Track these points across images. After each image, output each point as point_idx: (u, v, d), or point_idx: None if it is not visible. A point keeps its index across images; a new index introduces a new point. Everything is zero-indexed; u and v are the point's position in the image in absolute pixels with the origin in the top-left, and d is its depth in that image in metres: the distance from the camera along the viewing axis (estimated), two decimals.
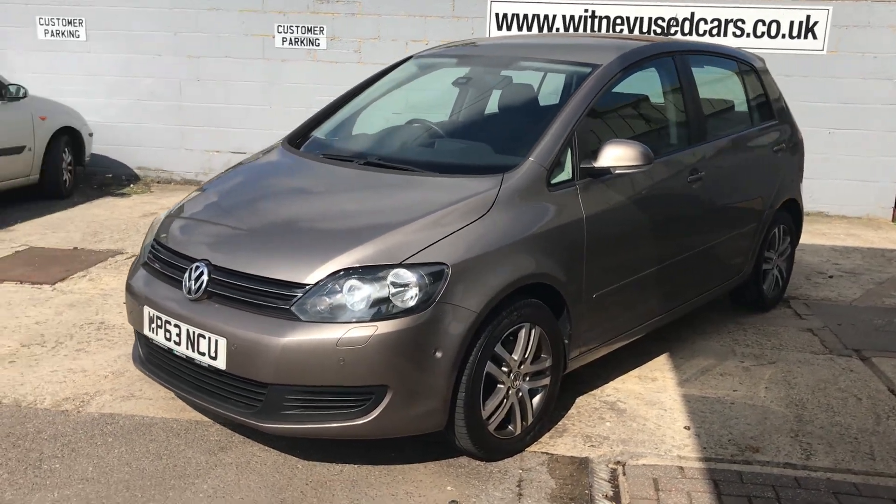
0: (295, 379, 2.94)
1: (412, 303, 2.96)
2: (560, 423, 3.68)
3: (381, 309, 2.94)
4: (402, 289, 2.97)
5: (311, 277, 2.98)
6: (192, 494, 3.02)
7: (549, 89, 4.27)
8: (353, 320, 2.91)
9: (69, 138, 8.17)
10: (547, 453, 3.43)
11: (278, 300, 2.99)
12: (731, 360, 4.46)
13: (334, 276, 2.97)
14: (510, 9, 8.58)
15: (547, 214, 3.42)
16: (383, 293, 2.95)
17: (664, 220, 4.05)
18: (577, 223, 3.52)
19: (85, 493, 3.00)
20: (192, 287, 3.15)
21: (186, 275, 3.21)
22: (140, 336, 3.49)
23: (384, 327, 2.91)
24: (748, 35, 8.21)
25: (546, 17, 8.54)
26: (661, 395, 4.00)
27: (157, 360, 3.39)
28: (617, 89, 4.05)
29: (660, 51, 4.36)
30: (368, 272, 2.98)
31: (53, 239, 6.56)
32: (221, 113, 9.16)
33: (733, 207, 4.63)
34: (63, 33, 9.24)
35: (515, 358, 3.30)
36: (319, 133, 4.29)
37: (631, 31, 8.33)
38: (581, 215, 3.53)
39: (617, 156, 3.58)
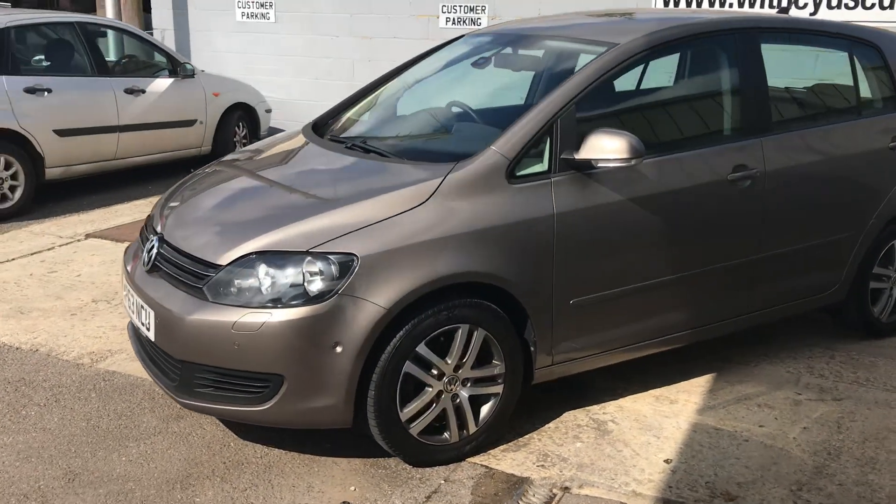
0: (200, 358, 2.97)
1: (312, 293, 2.85)
2: (526, 436, 3.38)
3: (280, 296, 2.87)
4: (306, 277, 2.87)
5: (223, 259, 2.97)
6: (118, 457, 3.17)
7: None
8: (251, 305, 2.87)
9: (243, 113, 8.82)
10: (487, 467, 3.16)
11: (196, 279, 3.02)
12: (785, 390, 3.82)
13: (243, 259, 2.94)
14: None
15: (501, 209, 3.12)
16: (286, 280, 2.88)
17: (684, 224, 3.53)
18: (546, 220, 3.18)
19: (30, 442, 3.26)
20: (145, 259, 3.28)
21: (146, 246, 3.35)
22: None
23: (279, 315, 2.84)
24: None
25: None
26: (668, 420, 3.53)
27: (132, 329, 3.58)
28: (646, 72, 3.59)
29: (707, 28, 3.78)
30: (276, 257, 2.92)
31: None
32: None
33: (811, 212, 3.93)
34: (256, 15, 9.97)
35: (449, 361, 3.06)
36: (354, 114, 4.25)
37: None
38: (551, 212, 3.18)
39: (599, 147, 3.18)
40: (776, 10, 4.75)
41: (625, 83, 3.75)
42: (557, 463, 3.19)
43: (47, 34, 7.25)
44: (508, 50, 4.15)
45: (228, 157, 4.10)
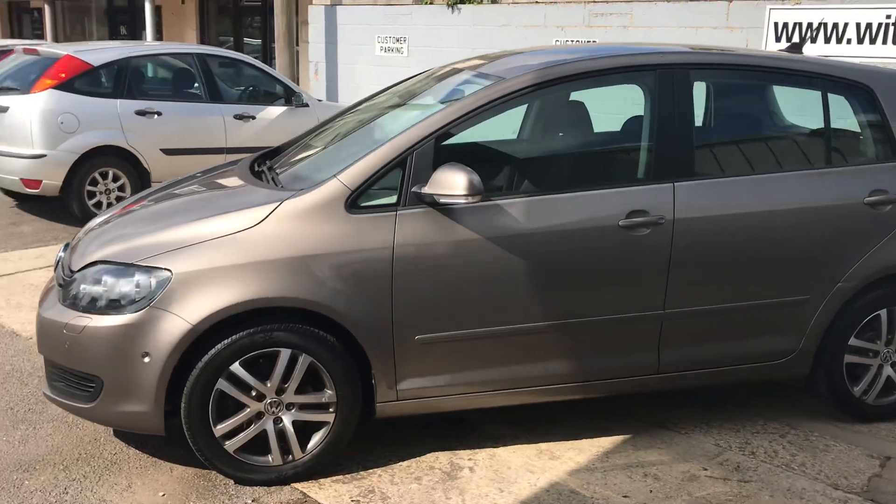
0: (48, 354, 3.26)
1: (128, 303, 3.05)
2: (369, 470, 3.33)
3: (102, 303, 3.09)
4: (128, 287, 3.07)
5: (76, 266, 3.25)
6: (2, 435, 3.54)
7: None
8: (78, 309, 3.12)
9: None
10: (304, 494, 3.17)
11: (62, 284, 3.33)
12: (691, 463, 3.44)
13: (87, 267, 3.20)
14: (792, 17, 7.28)
15: (336, 238, 3.13)
16: (112, 289, 3.09)
17: (558, 269, 3.32)
18: (384, 253, 3.14)
19: None
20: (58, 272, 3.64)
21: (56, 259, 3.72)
22: None
23: (97, 321, 3.06)
24: None
25: (836, 25, 7.06)
26: (530, 475, 3.32)
27: None
28: (535, 108, 3.44)
29: (613, 65, 3.54)
30: (110, 268, 3.14)
31: None
32: None
33: (745, 269, 3.50)
34: (392, 49, 10.47)
35: (269, 384, 3.12)
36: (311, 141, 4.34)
37: None
38: (390, 244, 3.15)
39: (440, 182, 3.11)
40: (786, 48, 4.27)
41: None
42: (375, 501, 3.12)
43: (168, 63, 8.14)
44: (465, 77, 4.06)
45: (171, 180, 4.29)
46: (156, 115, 7.50)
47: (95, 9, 20.94)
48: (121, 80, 7.41)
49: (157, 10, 15.68)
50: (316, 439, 3.22)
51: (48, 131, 6.98)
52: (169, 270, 3.04)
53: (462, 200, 3.11)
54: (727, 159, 3.66)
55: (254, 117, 8.19)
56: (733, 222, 3.48)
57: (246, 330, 3.06)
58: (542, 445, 3.56)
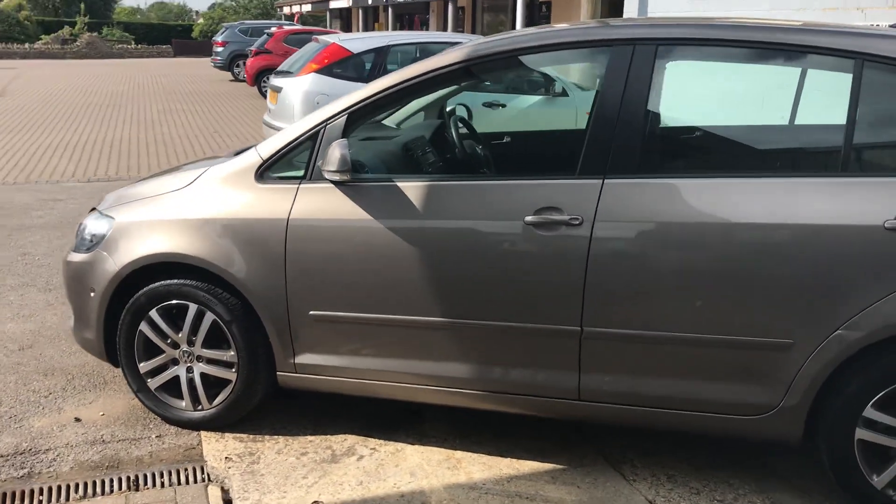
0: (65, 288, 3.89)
1: (89, 244, 3.53)
2: (275, 437, 3.41)
3: (78, 243, 3.60)
4: (91, 232, 3.55)
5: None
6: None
7: None
8: (72, 249, 3.66)
9: None
10: (200, 442, 3.37)
11: None
12: None
13: (89, 214, 3.75)
14: None
15: (242, 206, 3.25)
16: (85, 231, 3.58)
17: (457, 262, 3.00)
18: (279, 224, 3.18)
19: None
20: None
21: None
22: None
23: (72, 257, 3.59)
24: None
25: None
26: (405, 478, 3.10)
27: None
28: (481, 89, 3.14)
29: (555, 40, 3.01)
30: (94, 214, 3.64)
31: None
32: None
33: (695, 292, 2.80)
34: None
35: (181, 335, 3.38)
36: None
37: None
38: (286, 216, 3.17)
39: (325, 157, 3.06)
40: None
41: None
42: (244, 463, 3.21)
43: (427, 51, 8.63)
44: None
45: None
46: None
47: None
48: (375, 66, 8.12)
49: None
50: (222, 396, 3.40)
51: (307, 109, 7.96)
52: (113, 219, 3.46)
53: (335, 177, 3.03)
54: (692, 156, 2.95)
55: (504, 105, 8.33)
56: (683, 233, 2.81)
57: (162, 281, 3.35)
58: (458, 454, 3.28)
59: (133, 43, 45.62)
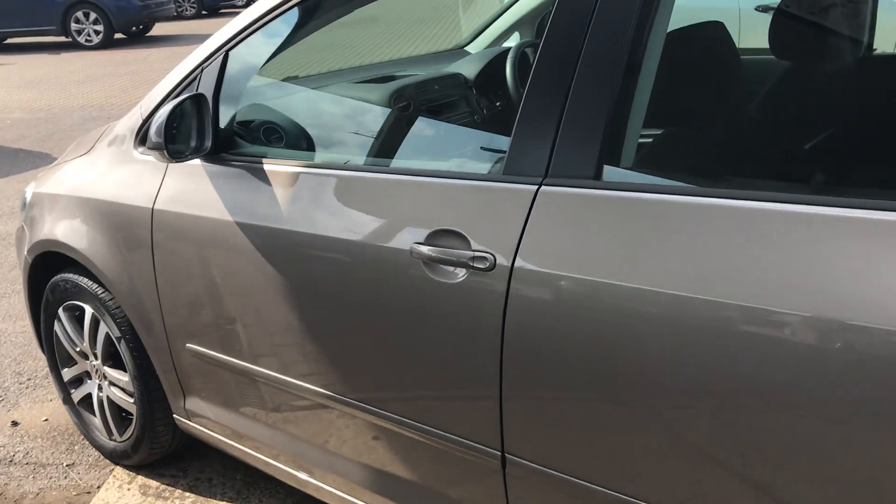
0: None
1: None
2: (188, 496, 2.52)
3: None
4: (23, 197, 2.84)
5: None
6: None
7: None
8: None
9: None
10: (86, 493, 2.59)
11: None
12: None
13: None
14: None
15: (115, 181, 2.30)
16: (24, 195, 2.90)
17: (334, 303, 1.80)
18: (144, 213, 2.18)
19: None
20: None
21: None
22: None
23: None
24: None
25: None
26: None
27: None
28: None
29: None
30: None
31: None
32: None
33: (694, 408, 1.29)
34: None
35: (82, 342, 2.59)
36: None
37: None
38: (150, 204, 2.17)
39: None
40: None
41: None
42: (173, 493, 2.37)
43: None
44: None
45: None
46: None
47: None
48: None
49: None
50: (130, 429, 2.57)
51: None
52: (32, 184, 2.73)
53: (150, 154, 1.99)
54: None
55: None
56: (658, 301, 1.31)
57: (59, 274, 2.57)
58: None
59: None
